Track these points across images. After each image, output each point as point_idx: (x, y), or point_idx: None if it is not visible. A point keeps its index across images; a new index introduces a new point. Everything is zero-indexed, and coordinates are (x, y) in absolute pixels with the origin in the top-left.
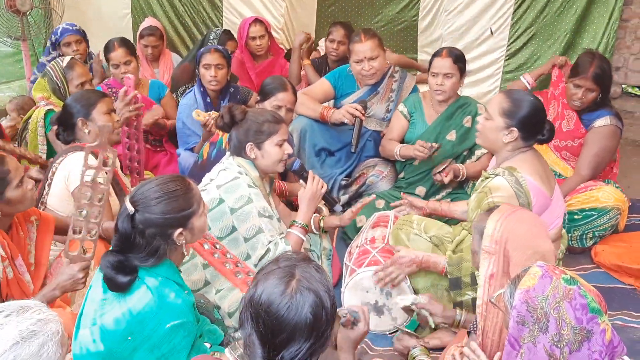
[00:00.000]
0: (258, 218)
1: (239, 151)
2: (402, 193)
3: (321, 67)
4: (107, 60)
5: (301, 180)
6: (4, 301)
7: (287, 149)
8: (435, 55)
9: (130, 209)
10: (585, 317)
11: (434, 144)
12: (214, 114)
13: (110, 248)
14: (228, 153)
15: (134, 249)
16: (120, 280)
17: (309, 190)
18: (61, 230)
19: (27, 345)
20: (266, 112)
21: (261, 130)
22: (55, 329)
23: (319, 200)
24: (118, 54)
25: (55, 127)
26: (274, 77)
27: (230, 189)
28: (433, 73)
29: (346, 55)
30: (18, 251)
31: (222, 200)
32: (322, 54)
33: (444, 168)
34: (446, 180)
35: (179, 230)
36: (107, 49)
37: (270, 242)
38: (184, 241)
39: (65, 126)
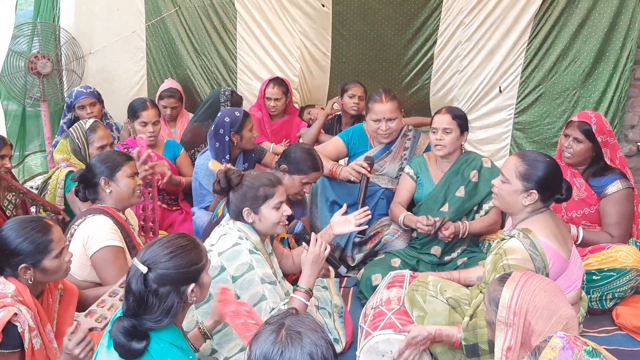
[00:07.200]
0: (261, 285)
1: (237, 216)
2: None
3: (332, 127)
4: (134, 118)
5: (304, 243)
6: None
7: (286, 210)
8: (436, 113)
9: (143, 268)
10: None
11: (437, 219)
12: (229, 165)
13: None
14: (228, 216)
15: (147, 311)
16: (135, 347)
17: (311, 254)
18: (80, 303)
19: None
20: (262, 176)
21: (257, 195)
22: None
23: (322, 263)
24: (150, 113)
25: (75, 186)
26: (313, 163)
27: (231, 257)
28: (433, 129)
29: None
30: (47, 319)
31: (224, 268)
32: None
33: (442, 224)
34: (447, 233)
35: (192, 285)
36: (138, 107)
37: (272, 309)
38: (194, 298)
39: (87, 184)
